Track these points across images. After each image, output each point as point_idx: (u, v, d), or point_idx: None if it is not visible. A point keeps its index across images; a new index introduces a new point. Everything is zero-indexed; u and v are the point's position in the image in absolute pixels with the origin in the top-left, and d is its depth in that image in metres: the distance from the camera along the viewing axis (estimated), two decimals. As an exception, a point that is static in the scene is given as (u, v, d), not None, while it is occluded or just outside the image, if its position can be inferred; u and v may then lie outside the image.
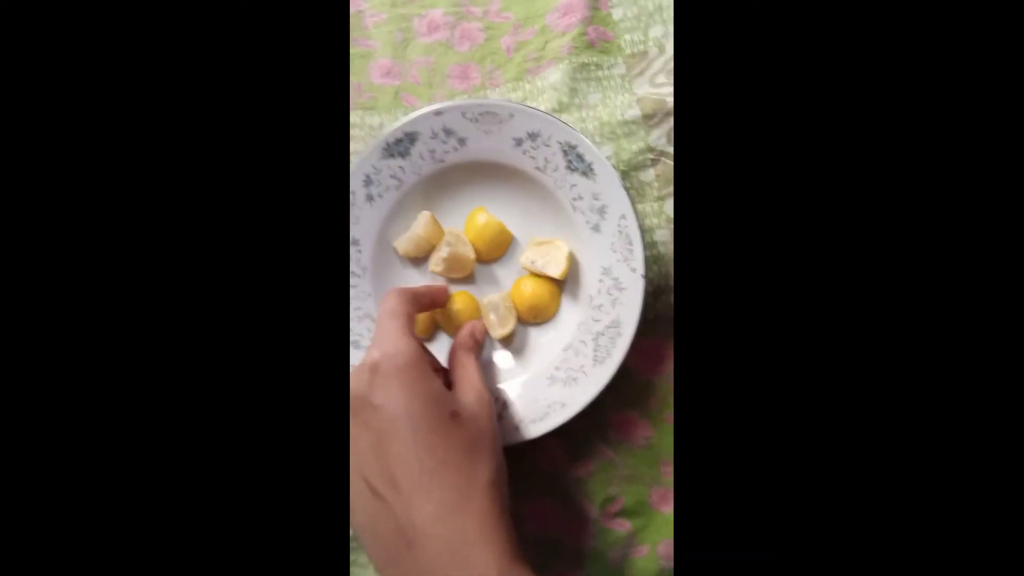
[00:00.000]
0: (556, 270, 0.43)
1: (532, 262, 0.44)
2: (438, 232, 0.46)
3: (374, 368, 0.34)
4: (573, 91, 0.47)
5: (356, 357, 0.45)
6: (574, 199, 0.44)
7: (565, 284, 0.45)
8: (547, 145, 0.43)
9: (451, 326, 0.46)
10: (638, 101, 0.46)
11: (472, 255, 0.46)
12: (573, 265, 0.45)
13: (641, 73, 0.46)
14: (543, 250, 0.44)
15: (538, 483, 0.45)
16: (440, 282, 0.47)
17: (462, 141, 0.45)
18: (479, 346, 0.43)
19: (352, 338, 0.45)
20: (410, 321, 0.38)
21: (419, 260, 0.48)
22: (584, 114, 0.46)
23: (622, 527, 0.44)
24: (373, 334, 0.38)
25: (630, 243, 0.42)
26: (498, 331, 0.45)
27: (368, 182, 0.46)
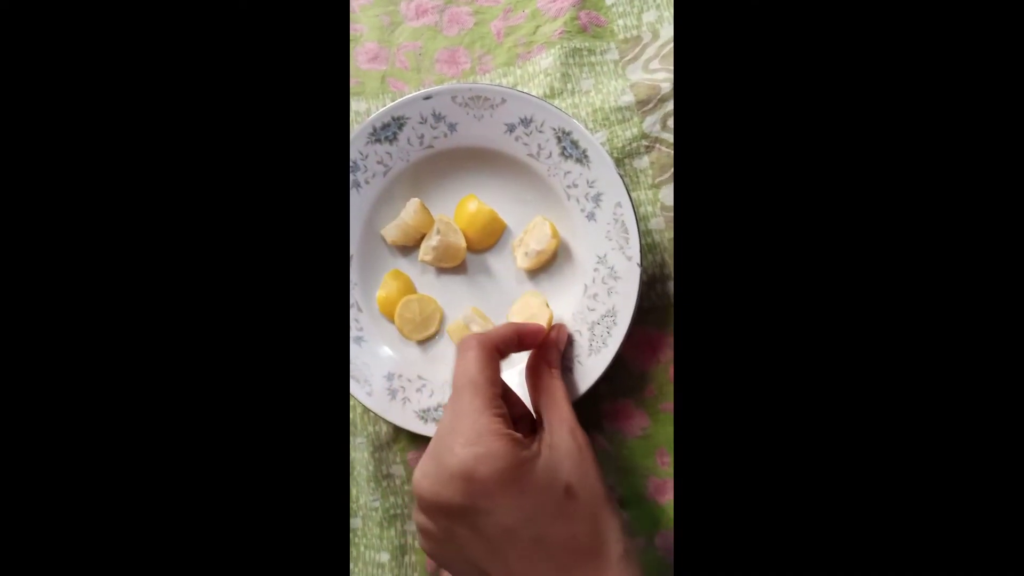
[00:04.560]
0: (546, 243, 0.42)
1: (525, 254, 0.44)
2: (428, 220, 0.45)
3: (469, 477, 0.30)
4: (565, 76, 0.46)
5: (352, 352, 0.44)
6: (568, 186, 0.43)
7: (558, 270, 0.45)
8: (540, 131, 0.43)
9: None
10: (631, 87, 0.45)
11: (463, 244, 0.45)
12: (567, 253, 0.44)
13: (635, 59, 0.46)
14: (528, 238, 0.44)
15: (532, 475, 0.44)
16: (429, 271, 0.46)
17: (452, 127, 0.44)
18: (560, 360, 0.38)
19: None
20: (495, 391, 0.34)
21: (408, 249, 0.46)
22: (577, 100, 0.45)
23: (617, 518, 0.44)
24: (450, 405, 0.34)
25: (626, 231, 0.41)
26: None
27: (354, 168, 0.44)
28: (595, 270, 0.43)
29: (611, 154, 0.44)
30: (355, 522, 0.47)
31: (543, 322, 0.43)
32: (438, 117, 0.44)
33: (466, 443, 0.31)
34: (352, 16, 0.50)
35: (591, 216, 0.43)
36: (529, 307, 0.43)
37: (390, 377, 0.44)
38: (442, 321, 0.46)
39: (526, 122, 0.43)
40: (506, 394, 0.38)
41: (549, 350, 0.39)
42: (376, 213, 0.46)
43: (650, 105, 0.44)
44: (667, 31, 0.45)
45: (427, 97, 0.43)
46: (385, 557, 0.46)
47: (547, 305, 0.43)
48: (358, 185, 0.45)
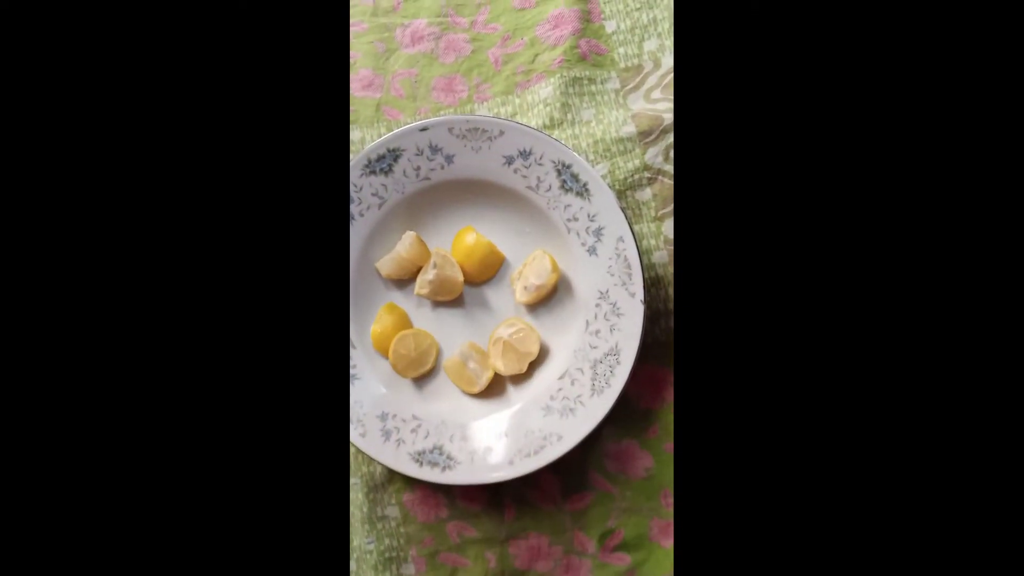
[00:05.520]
0: (546, 277, 0.41)
1: (524, 288, 0.42)
2: (424, 253, 0.44)
3: None
4: (565, 106, 0.45)
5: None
6: (568, 220, 0.42)
7: (559, 305, 0.43)
8: (540, 164, 0.41)
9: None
10: (633, 117, 0.44)
11: (460, 277, 0.43)
12: (567, 287, 0.43)
13: (636, 88, 0.45)
14: (528, 271, 0.42)
15: (531, 517, 0.43)
16: (425, 305, 0.45)
17: (449, 158, 0.43)
18: None
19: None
20: None
21: (403, 282, 0.45)
22: (577, 131, 0.44)
23: (621, 561, 0.42)
24: None
25: (628, 266, 0.40)
26: (475, 386, 0.43)
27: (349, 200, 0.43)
28: (597, 306, 0.41)
29: (612, 187, 0.43)
30: (349, 565, 0.45)
31: (532, 349, 0.41)
32: (435, 149, 0.42)
33: None
34: (346, 43, 0.49)
35: (592, 250, 0.41)
36: (521, 337, 0.42)
37: (384, 417, 0.42)
38: (438, 357, 0.44)
39: (525, 154, 0.41)
40: None
41: None
42: (371, 246, 0.44)
43: (652, 136, 0.43)
44: (669, 60, 0.44)
45: (423, 128, 0.42)
46: (379, 602, 0.44)
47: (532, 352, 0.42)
48: (352, 217, 0.43)
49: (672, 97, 0.43)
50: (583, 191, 0.41)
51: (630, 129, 0.44)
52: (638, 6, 0.46)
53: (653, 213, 0.43)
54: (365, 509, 0.44)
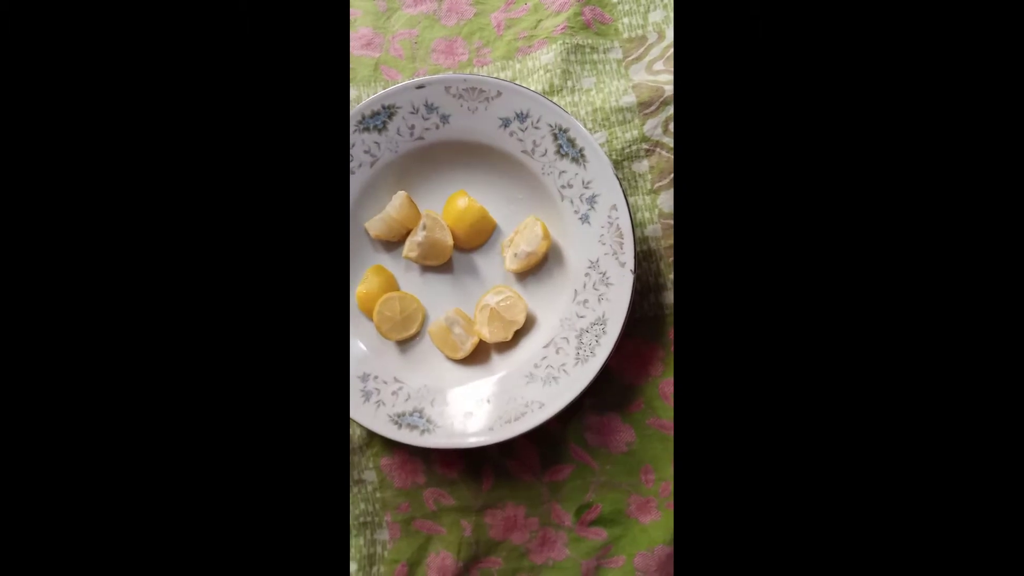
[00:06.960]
0: (537, 244, 0.41)
1: (514, 255, 0.42)
2: (414, 215, 0.43)
3: None
4: (566, 73, 0.44)
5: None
6: (562, 186, 0.41)
7: (548, 273, 0.43)
8: (536, 127, 0.41)
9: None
10: (634, 87, 0.43)
11: (450, 241, 0.43)
12: (557, 255, 0.42)
13: (638, 59, 0.44)
14: (519, 239, 0.42)
15: (508, 487, 0.42)
16: (413, 268, 0.44)
17: (444, 118, 0.42)
18: None
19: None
20: None
21: (392, 244, 0.44)
22: (576, 98, 0.44)
23: (597, 536, 0.42)
24: None
25: (620, 236, 0.39)
26: (460, 352, 0.42)
27: (341, 157, 0.42)
28: (586, 275, 0.41)
29: (609, 156, 0.42)
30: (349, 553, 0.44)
31: (519, 317, 0.41)
32: (430, 108, 0.42)
33: None
34: None
35: (585, 218, 0.41)
36: (508, 305, 0.41)
37: (365, 378, 0.42)
38: (424, 322, 0.44)
39: (522, 117, 0.41)
40: None
41: None
42: (360, 205, 0.43)
43: (652, 107, 0.43)
44: (673, 32, 0.44)
45: (420, 86, 0.41)
46: (352, 567, 0.43)
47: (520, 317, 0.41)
48: (343, 174, 0.43)
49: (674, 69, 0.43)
50: (579, 157, 0.40)
51: (630, 99, 0.43)
52: (645, -24, 0.45)
53: (649, 185, 0.42)
54: (341, 472, 0.43)
